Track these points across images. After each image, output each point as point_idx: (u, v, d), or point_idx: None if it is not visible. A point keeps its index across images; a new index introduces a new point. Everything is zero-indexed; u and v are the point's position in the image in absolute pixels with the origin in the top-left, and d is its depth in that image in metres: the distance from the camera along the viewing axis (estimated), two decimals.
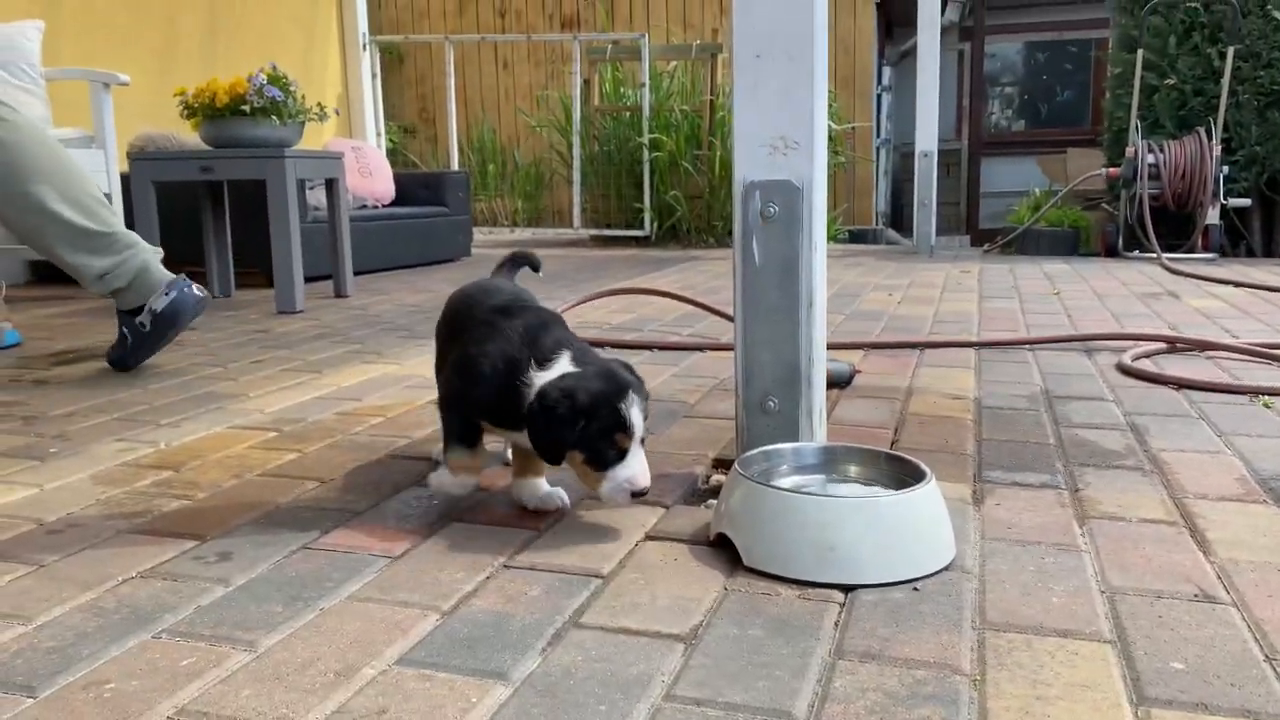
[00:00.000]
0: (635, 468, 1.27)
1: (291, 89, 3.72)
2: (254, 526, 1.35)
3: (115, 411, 2.05)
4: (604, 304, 3.64)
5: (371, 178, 5.51)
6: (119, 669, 0.96)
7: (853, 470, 1.34)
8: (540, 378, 1.29)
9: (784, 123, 1.36)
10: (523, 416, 1.28)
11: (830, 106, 7.62)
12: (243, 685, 0.93)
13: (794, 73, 1.34)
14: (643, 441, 1.29)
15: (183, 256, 4.19)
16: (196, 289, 2.50)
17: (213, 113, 3.65)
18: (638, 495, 1.27)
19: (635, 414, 1.27)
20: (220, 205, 4.07)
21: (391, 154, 8.76)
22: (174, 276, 2.50)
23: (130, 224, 3.83)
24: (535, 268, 1.73)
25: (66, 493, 1.52)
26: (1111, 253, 6.00)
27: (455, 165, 7.30)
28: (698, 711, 0.88)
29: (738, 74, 1.37)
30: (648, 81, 6.83)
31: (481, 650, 0.99)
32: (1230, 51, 5.57)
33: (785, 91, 1.35)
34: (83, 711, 0.89)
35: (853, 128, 8.88)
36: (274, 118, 3.63)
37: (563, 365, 1.31)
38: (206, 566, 1.21)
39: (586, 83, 7.18)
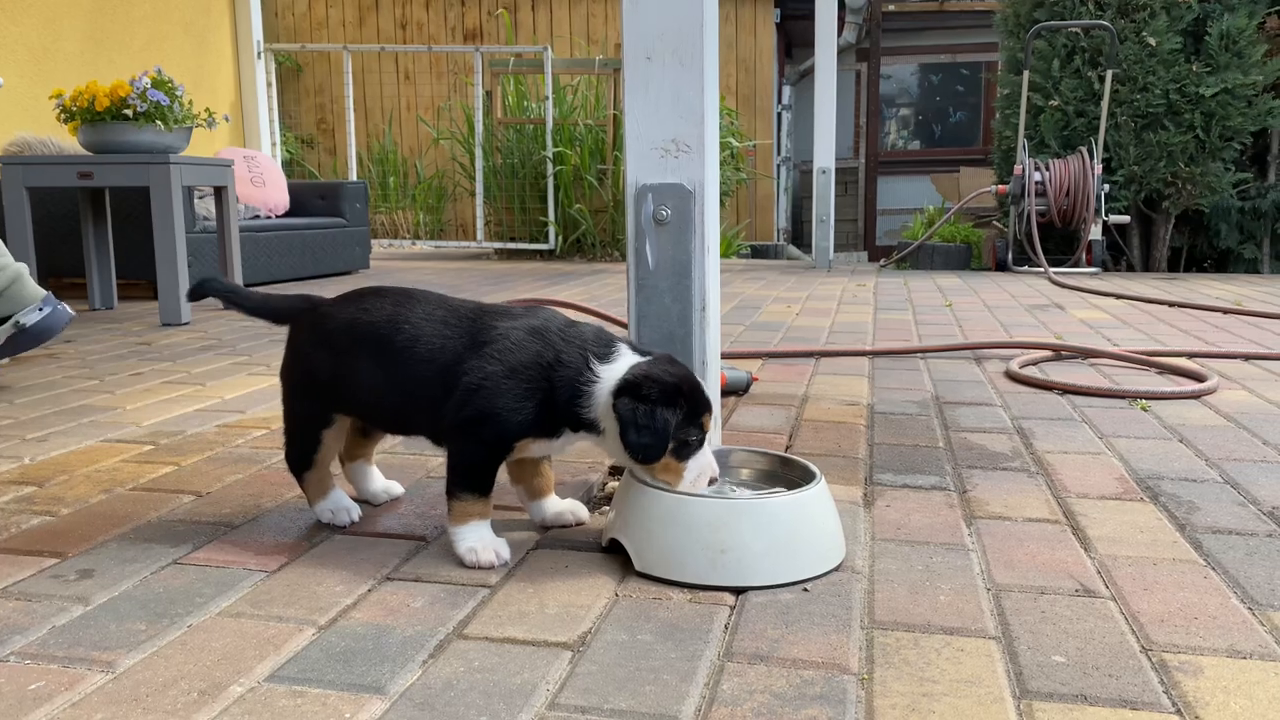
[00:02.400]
0: (709, 455, 1.21)
1: (177, 93, 3.59)
2: (121, 542, 1.27)
3: None
4: None
5: (265, 187, 5.35)
6: None
7: (746, 473, 1.34)
8: (610, 371, 1.18)
9: (676, 126, 1.35)
10: (580, 421, 1.18)
11: (732, 123, 7.72)
12: (96, 709, 0.87)
13: (685, 75, 1.34)
14: None
15: (61, 267, 4.01)
16: (66, 307, 2.39)
17: (93, 116, 3.49)
18: (711, 484, 1.21)
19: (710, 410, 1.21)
20: (102, 213, 3.90)
21: (289, 165, 8.55)
22: (45, 293, 2.38)
23: (1, 232, 3.65)
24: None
25: None
26: (1001, 267, 6.19)
27: (354, 176, 7.16)
28: (582, 719, 0.85)
29: (629, 75, 1.35)
30: (551, 95, 6.81)
31: (358, 664, 0.95)
32: (1109, 75, 5.82)
33: (676, 94, 1.34)
34: None
35: (754, 145, 9.01)
36: (159, 123, 3.50)
37: (626, 356, 1.20)
38: (65, 585, 1.14)
39: (489, 95, 7.13)
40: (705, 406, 1.20)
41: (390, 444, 1.75)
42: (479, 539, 1.20)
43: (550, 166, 6.79)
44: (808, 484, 1.22)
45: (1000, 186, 6.35)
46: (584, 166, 6.85)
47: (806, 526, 1.17)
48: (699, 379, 1.22)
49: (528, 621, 1.04)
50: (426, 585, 1.14)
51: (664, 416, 1.15)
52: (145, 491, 1.50)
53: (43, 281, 3.55)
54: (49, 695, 0.89)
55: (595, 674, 0.93)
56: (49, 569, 1.19)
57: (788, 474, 1.30)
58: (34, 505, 1.44)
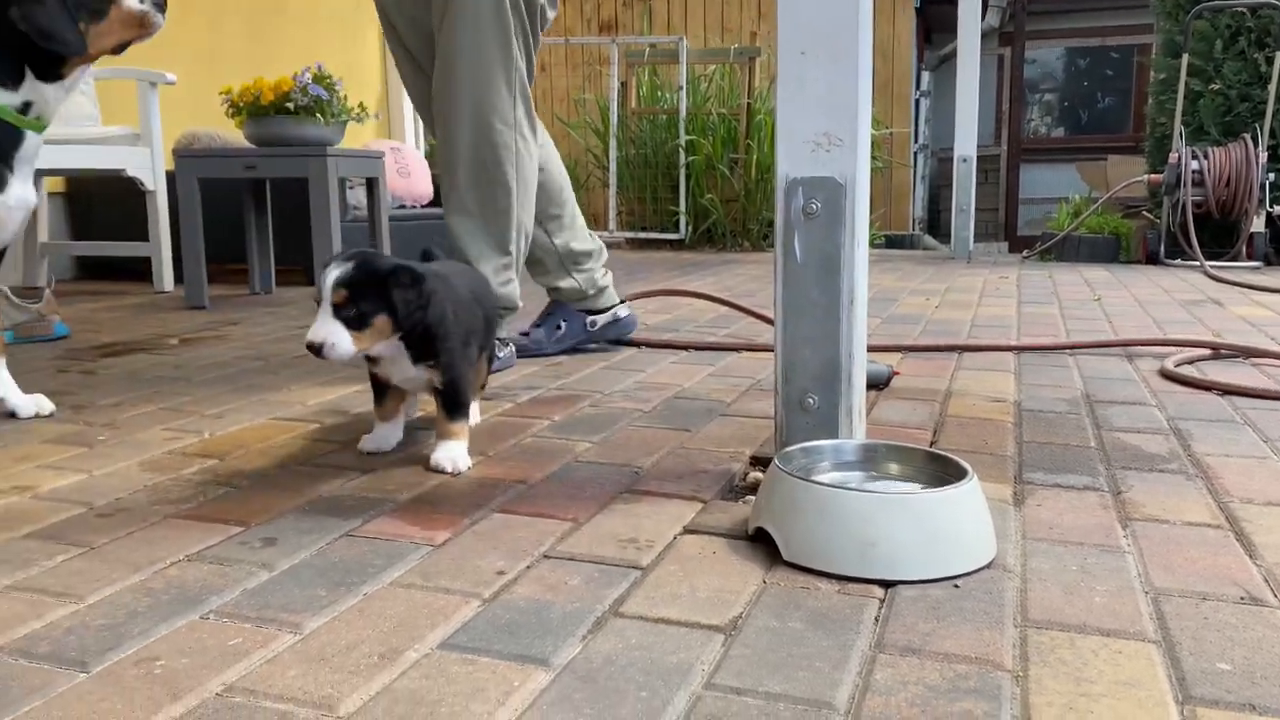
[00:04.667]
0: (314, 323, 1.46)
1: (335, 88, 3.76)
2: (297, 514, 1.37)
3: (160, 402, 2.09)
4: (640, 305, 3.64)
5: (410, 178, 5.55)
6: (169, 647, 0.98)
7: (893, 468, 1.34)
8: None
9: (828, 119, 1.36)
10: None
11: None
12: (289, 665, 0.94)
13: (839, 69, 1.35)
14: (341, 312, 1.45)
15: (226, 254, 4.26)
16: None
17: (257, 111, 3.70)
18: (310, 348, 1.45)
19: (325, 278, 1.45)
20: (263, 203, 4.12)
21: (429, 156, 8.82)
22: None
23: (174, 220, 3.90)
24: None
25: (115, 479, 1.55)
26: (1153, 260, 5.92)
27: None
28: (738, 700, 0.88)
29: (782, 70, 1.37)
30: (685, 85, 6.83)
31: (522, 636, 1.00)
32: (1278, 57, 5.48)
33: (830, 88, 1.35)
34: (134, 686, 0.91)
35: (890, 132, 8.84)
36: (318, 116, 3.67)
37: None
38: (251, 551, 1.23)
39: (624, 86, 7.20)
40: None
41: (501, 406, 1.81)
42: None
43: (683, 156, 6.82)
44: (958, 481, 1.21)
45: (1153, 175, 6.06)
46: (716, 156, 6.85)
47: (957, 522, 1.17)
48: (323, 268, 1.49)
49: (680, 604, 1.08)
50: (581, 564, 1.19)
51: None
52: (315, 467, 1.60)
53: (210, 265, 3.78)
54: (247, 651, 0.97)
55: (748, 657, 0.96)
56: (235, 536, 1.29)
57: (937, 470, 1.29)
58: (217, 476, 1.55)
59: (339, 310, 1.45)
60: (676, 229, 6.97)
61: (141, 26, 1.76)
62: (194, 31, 5.22)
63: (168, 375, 2.38)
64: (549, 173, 2.55)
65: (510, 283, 2.38)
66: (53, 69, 1.73)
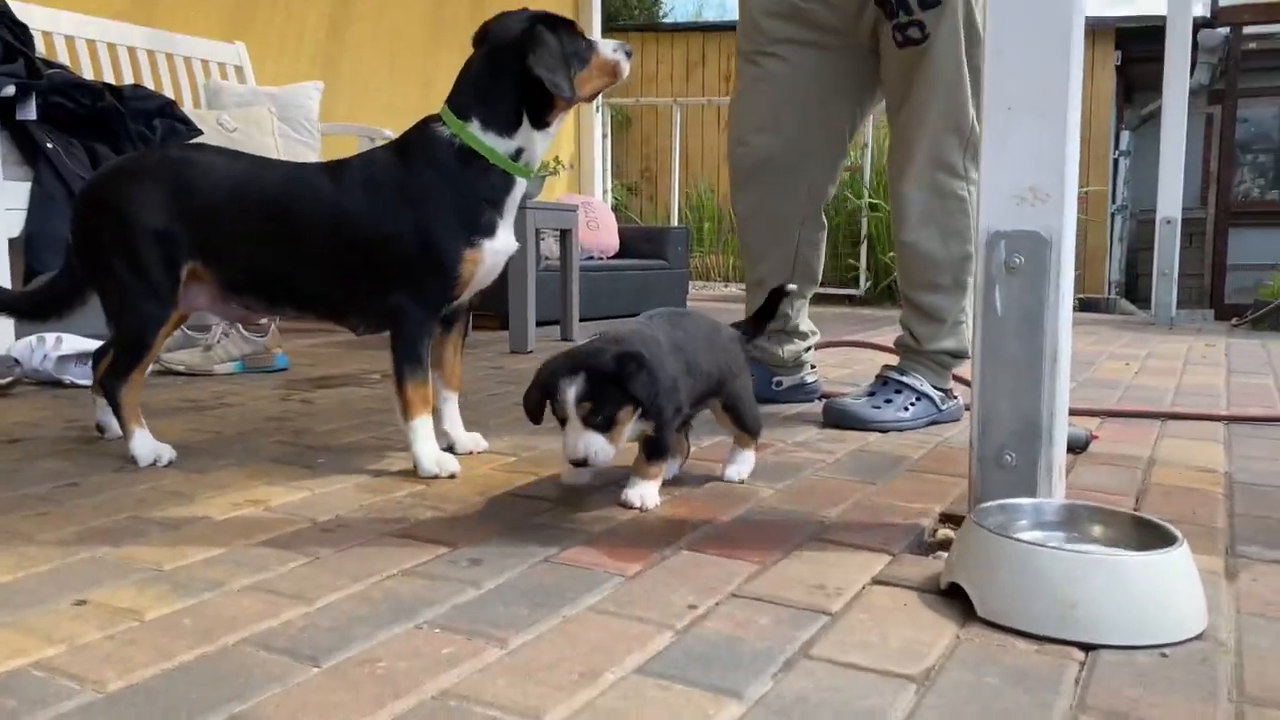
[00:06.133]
0: (566, 439, 1.55)
1: None
2: (500, 539, 1.45)
3: (371, 431, 2.24)
4: (821, 357, 3.64)
5: (598, 231, 5.75)
6: (389, 651, 1.06)
7: (1096, 530, 1.30)
8: None
9: (1034, 174, 1.35)
10: None
11: None
12: (497, 676, 1.00)
13: (1047, 124, 1.34)
14: (590, 421, 1.52)
15: None
16: (961, 403, 2.48)
17: None
18: (575, 462, 1.55)
19: (563, 395, 1.53)
20: None
21: (614, 210, 9.11)
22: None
23: None
24: None
25: (334, 497, 1.68)
26: None
27: (675, 222, 7.50)
28: None
29: (987, 125, 1.37)
30: (870, 142, 6.81)
31: (715, 668, 1.03)
32: None
33: (1037, 143, 1.35)
34: (360, 683, 0.98)
35: (1086, 192, 8.51)
36: None
37: None
38: (459, 570, 1.31)
39: None
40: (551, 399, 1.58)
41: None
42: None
43: (865, 214, 6.78)
44: (1167, 546, 1.16)
45: None
46: None
47: (1166, 589, 1.13)
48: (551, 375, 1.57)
49: (870, 651, 1.08)
50: (770, 605, 1.20)
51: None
52: (514, 497, 1.68)
53: None
54: (459, 660, 1.04)
55: (943, 708, 0.95)
56: (444, 555, 1.37)
57: (1143, 535, 1.24)
58: (425, 500, 1.66)
59: (588, 422, 1.53)
60: (854, 284, 6.91)
61: (614, 75, 1.87)
62: (410, 90, 5.63)
63: (376, 407, 2.55)
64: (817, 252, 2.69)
65: (960, 324, 2.42)
66: (542, 117, 1.84)
